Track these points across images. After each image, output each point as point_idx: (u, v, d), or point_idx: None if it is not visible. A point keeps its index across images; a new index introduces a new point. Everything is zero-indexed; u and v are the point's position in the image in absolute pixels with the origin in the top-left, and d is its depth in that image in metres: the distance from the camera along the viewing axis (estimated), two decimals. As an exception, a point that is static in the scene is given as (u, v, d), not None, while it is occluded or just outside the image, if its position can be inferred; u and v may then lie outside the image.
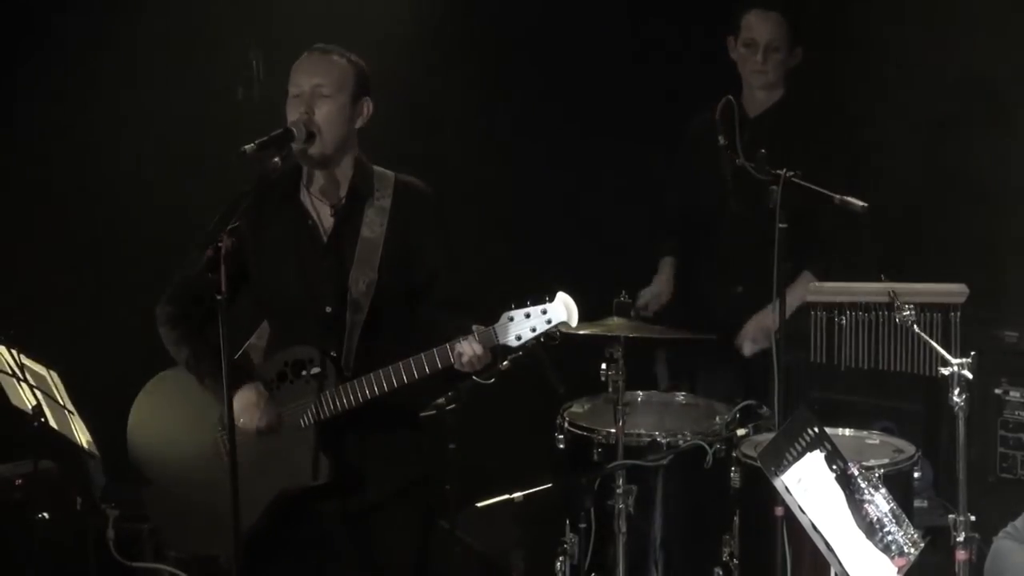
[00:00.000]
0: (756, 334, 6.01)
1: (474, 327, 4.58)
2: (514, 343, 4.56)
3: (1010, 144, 6.48)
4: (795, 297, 5.66)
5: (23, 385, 5.67)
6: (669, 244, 6.41)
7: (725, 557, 5.48)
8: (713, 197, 6.00)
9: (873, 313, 5.43)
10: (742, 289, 6.08)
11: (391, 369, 4.63)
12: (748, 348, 6.05)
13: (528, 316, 4.54)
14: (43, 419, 5.66)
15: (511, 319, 4.55)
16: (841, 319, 5.47)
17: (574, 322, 4.56)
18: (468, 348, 4.56)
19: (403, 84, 6.44)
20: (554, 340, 4.58)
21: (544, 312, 4.53)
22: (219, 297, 4.40)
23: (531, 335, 4.54)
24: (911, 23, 6.60)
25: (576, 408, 5.75)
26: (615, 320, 5.56)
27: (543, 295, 4.54)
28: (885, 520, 4.30)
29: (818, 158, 5.70)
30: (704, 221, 6.21)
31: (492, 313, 4.58)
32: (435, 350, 4.60)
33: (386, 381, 4.64)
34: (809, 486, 4.25)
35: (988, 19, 6.42)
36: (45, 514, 5.83)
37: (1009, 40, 6.40)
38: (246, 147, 4.56)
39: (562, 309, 4.53)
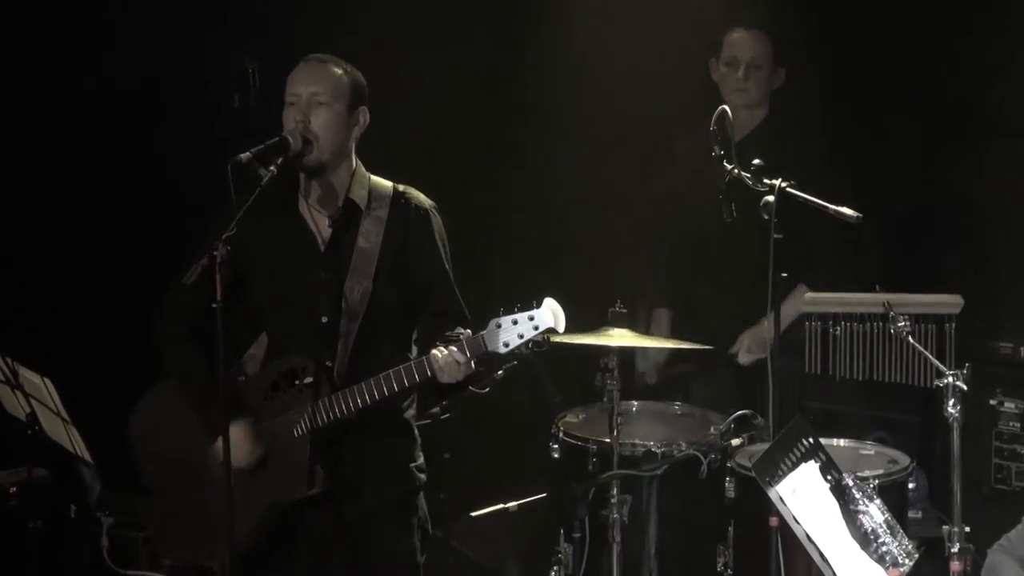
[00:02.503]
0: (752, 345, 6.02)
1: (462, 335, 4.58)
2: (502, 350, 4.55)
3: (1005, 156, 6.50)
4: (790, 310, 5.66)
5: (17, 393, 5.67)
6: (659, 290, 6.39)
7: (720, 567, 5.47)
8: (706, 211, 6.01)
9: (868, 324, 5.43)
10: (735, 296, 6.07)
11: (381, 379, 4.62)
12: (744, 357, 6.07)
13: (516, 323, 4.53)
14: (37, 427, 5.66)
15: (499, 326, 4.54)
16: (836, 330, 5.47)
17: (561, 327, 4.55)
18: (445, 357, 4.55)
19: (397, 94, 6.44)
20: (542, 347, 4.57)
21: (531, 318, 4.52)
22: (214, 306, 4.40)
23: (519, 341, 4.53)
24: (904, 37, 6.61)
25: (571, 418, 5.74)
26: (610, 330, 5.56)
27: (532, 302, 4.54)
28: (879, 531, 4.30)
29: (806, 178, 5.67)
30: (697, 234, 6.21)
31: (485, 322, 4.58)
32: (412, 363, 4.60)
33: (378, 391, 4.63)
34: (804, 496, 4.25)
35: (980, 35, 6.44)
36: (39, 522, 5.83)
37: (1001, 54, 6.42)
38: (242, 155, 4.56)
39: (549, 315, 4.52)
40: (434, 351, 4.56)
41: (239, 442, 4.66)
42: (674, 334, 6.29)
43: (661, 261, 6.42)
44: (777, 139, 6.05)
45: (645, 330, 6.28)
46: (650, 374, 6.35)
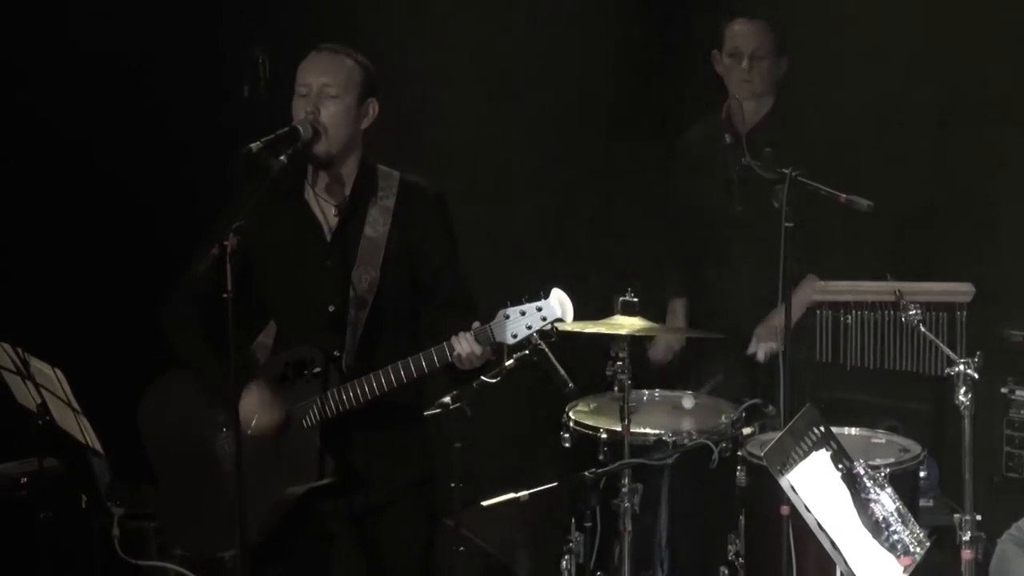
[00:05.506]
0: (766, 336, 6.00)
1: (474, 327, 4.58)
2: (511, 341, 4.55)
3: (1016, 143, 6.48)
4: (801, 300, 5.65)
5: (28, 383, 5.67)
6: (677, 280, 6.39)
7: (731, 556, 5.48)
8: (716, 200, 6.00)
9: (879, 312, 5.43)
10: (746, 273, 6.05)
11: (390, 369, 4.63)
12: (762, 355, 6.04)
13: (524, 314, 4.53)
14: (48, 417, 5.66)
15: (507, 317, 4.54)
16: (847, 318, 5.47)
17: (569, 318, 4.55)
18: (465, 346, 4.56)
19: (405, 83, 6.44)
20: (550, 337, 4.58)
21: (539, 309, 4.52)
22: (224, 295, 4.40)
23: (527, 332, 4.54)
24: (913, 24, 6.60)
25: (582, 407, 5.74)
26: (620, 318, 5.56)
27: (539, 292, 4.54)
28: (891, 519, 4.30)
29: (813, 167, 5.66)
30: (708, 224, 6.20)
31: (494, 313, 4.58)
32: (433, 350, 4.60)
33: (386, 381, 4.63)
34: (815, 485, 4.25)
35: (991, 20, 6.42)
36: (50, 512, 5.83)
37: (1011, 39, 6.41)
38: (252, 145, 4.56)
39: (556, 306, 4.52)
40: (454, 338, 4.57)
41: (261, 404, 4.67)
42: (690, 323, 6.29)
43: (677, 250, 6.42)
44: (785, 128, 6.03)
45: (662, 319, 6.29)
46: (664, 352, 6.32)
